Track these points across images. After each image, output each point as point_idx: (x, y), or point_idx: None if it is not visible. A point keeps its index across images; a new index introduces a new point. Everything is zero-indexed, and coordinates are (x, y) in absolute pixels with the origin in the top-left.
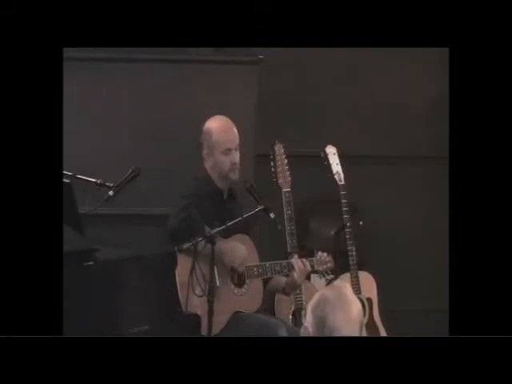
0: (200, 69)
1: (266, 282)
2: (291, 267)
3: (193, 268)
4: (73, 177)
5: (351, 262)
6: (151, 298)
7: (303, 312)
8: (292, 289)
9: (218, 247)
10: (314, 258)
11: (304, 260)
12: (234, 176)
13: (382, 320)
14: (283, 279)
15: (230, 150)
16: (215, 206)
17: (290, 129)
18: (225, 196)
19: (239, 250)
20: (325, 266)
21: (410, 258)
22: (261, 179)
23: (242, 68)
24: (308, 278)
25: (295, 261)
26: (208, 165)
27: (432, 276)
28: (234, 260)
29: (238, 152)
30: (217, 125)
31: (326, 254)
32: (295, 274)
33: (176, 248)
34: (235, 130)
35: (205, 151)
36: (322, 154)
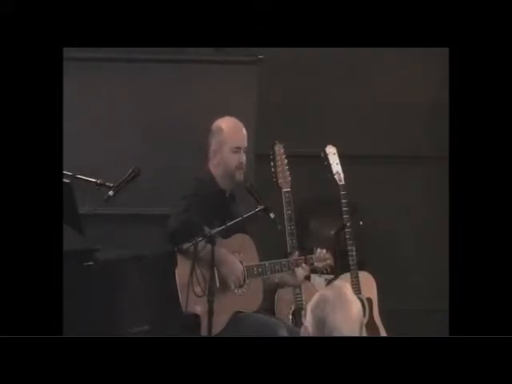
0: (200, 69)
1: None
2: (291, 265)
3: (193, 268)
4: (73, 177)
5: (351, 262)
6: (151, 297)
7: (303, 312)
8: (286, 283)
9: (220, 252)
10: (313, 256)
11: (303, 265)
12: (239, 176)
13: (382, 320)
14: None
15: (238, 148)
16: (217, 206)
17: (290, 129)
18: (227, 196)
19: (237, 266)
20: (324, 263)
21: (410, 258)
22: (261, 179)
23: (241, 68)
24: (308, 277)
25: (295, 261)
26: (213, 163)
27: (432, 276)
28: (229, 275)
29: (245, 154)
30: (228, 124)
31: (325, 251)
32: (297, 273)
33: (176, 248)
34: (245, 132)
35: (212, 148)
36: (322, 154)
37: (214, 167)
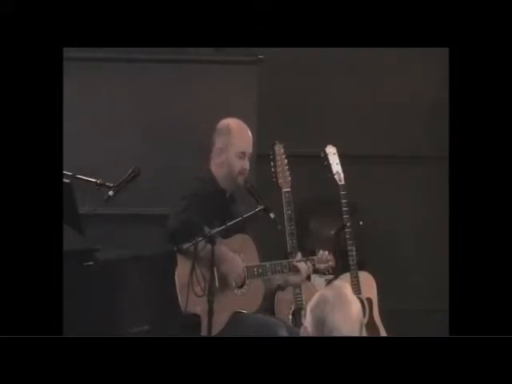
0: (200, 69)
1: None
2: (294, 267)
3: (193, 268)
4: (73, 177)
5: (351, 262)
6: (151, 298)
7: (303, 312)
8: (290, 283)
9: (220, 250)
10: (315, 257)
11: (308, 262)
12: (240, 180)
13: (382, 320)
14: (278, 276)
15: (243, 153)
16: (217, 206)
17: (290, 129)
18: (227, 196)
19: (238, 264)
20: (326, 265)
21: (410, 258)
22: (261, 179)
23: (241, 68)
24: (308, 277)
25: (299, 263)
26: (216, 162)
27: (432, 276)
28: (230, 272)
29: (248, 160)
30: (237, 126)
31: (327, 253)
32: (300, 275)
33: (176, 248)
34: (251, 137)
35: (218, 146)
36: (322, 154)
37: (217, 167)
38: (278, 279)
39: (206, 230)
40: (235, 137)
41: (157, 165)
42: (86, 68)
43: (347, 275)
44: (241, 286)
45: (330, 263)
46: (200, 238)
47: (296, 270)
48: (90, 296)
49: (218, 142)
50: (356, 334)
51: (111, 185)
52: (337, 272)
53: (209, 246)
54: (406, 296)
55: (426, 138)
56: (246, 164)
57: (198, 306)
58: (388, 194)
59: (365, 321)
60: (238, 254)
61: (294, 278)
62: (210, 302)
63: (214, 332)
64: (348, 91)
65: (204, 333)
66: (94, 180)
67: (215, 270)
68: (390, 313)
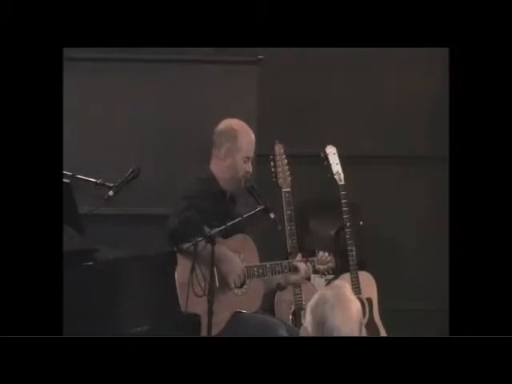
0: (200, 69)
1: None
2: (294, 268)
3: (193, 268)
4: (73, 177)
5: (351, 262)
6: (151, 297)
7: (303, 312)
8: (290, 281)
9: (220, 250)
10: (315, 258)
11: (308, 263)
12: (243, 184)
13: (382, 320)
14: (278, 276)
15: (248, 158)
16: (217, 207)
17: (290, 129)
18: (227, 197)
19: (238, 264)
20: (326, 266)
21: (410, 258)
22: (261, 179)
23: (241, 68)
24: (308, 278)
25: (299, 263)
26: (221, 164)
27: (432, 276)
28: (229, 272)
29: (251, 163)
30: (243, 131)
31: (327, 254)
32: (300, 275)
33: (176, 248)
34: (254, 140)
35: (223, 150)
36: (322, 154)
37: (220, 169)
38: (279, 279)
39: (206, 229)
40: (242, 142)
41: (157, 165)
42: (86, 68)
43: (347, 275)
44: (241, 286)
45: (330, 264)
46: (200, 238)
47: (296, 271)
48: (90, 296)
49: (223, 145)
50: (356, 334)
51: (111, 185)
52: (337, 272)
53: (209, 246)
54: (406, 296)
55: (426, 138)
56: (250, 167)
57: (198, 306)
58: (388, 194)
59: (365, 321)
60: (238, 254)
61: (294, 278)
62: (210, 302)
63: (214, 332)
64: (348, 91)
65: (204, 333)
66: (94, 180)
67: (215, 269)
68: (390, 313)
